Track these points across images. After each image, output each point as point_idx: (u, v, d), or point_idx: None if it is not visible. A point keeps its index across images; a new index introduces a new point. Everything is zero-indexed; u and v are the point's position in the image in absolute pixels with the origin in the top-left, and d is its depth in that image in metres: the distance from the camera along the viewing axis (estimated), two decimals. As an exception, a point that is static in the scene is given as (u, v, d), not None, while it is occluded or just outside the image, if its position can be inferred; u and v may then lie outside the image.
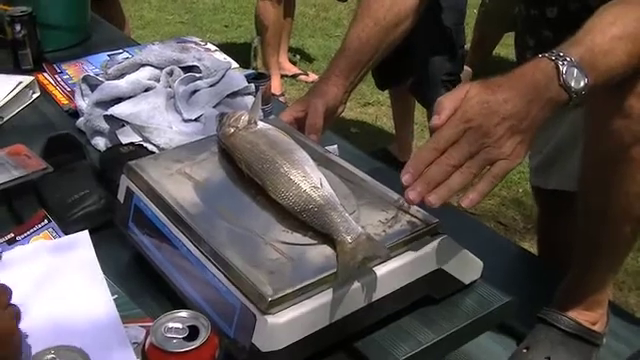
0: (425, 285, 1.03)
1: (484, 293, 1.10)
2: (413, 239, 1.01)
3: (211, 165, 1.17)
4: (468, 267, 1.09)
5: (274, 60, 4.11)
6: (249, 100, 1.59)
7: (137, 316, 1.08)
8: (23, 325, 0.98)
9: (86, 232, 1.25)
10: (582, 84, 0.98)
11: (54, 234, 1.27)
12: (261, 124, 1.17)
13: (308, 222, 1.01)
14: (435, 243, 1.02)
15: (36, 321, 1.04)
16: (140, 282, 1.16)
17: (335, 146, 1.47)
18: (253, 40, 1.80)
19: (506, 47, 4.17)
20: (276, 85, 4.11)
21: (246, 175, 1.10)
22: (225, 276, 0.95)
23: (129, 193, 1.17)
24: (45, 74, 1.92)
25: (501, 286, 1.14)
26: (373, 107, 4.08)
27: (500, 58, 4.27)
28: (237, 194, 1.10)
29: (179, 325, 0.86)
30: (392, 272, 0.98)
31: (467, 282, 1.10)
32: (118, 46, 2.07)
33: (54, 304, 1.11)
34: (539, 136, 1.09)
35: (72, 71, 1.90)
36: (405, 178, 0.98)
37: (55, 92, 1.82)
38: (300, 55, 4.71)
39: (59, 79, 1.86)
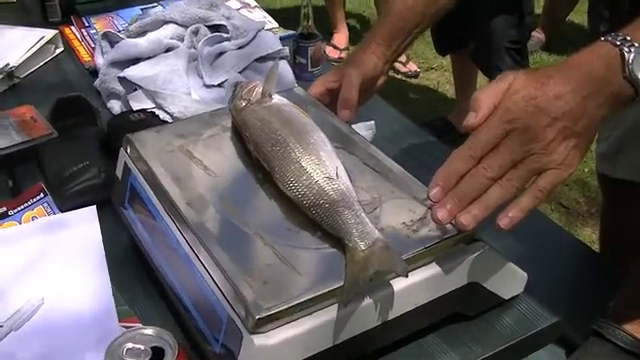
0: (455, 301, 0.87)
1: (527, 311, 0.94)
2: (442, 248, 0.84)
3: (218, 143, 1.02)
4: (509, 280, 0.92)
5: (340, 14, 3.96)
6: (282, 65, 1.42)
7: (123, 314, 0.95)
8: (14, 305, 0.94)
9: (93, 208, 1.12)
10: None
11: (49, 210, 1.14)
12: (277, 98, 1.01)
13: (318, 220, 0.85)
14: (469, 253, 0.85)
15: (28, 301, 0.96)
16: (134, 273, 1.02)
17: (372, 122, 1.31)
18: (303, -2, 1.64)
19: (581, 14, 3.90)
20: (342, 38, 3.96)
21: (253, 157, 0.95)
22: (214, 281, 0.80)
23: (126, 170, 1.03)
24: (72, 27, 1.78)
25: (553, 288, 0.99)
26: (436, 72, 3.88)
27: (574, 25, 4.01)
28: (242, 180, 0.95)
29: (140, 346, 0.72)
30: (414, 286, 0.82)
31: (507, 297, 0.93)
32: (153, -1, 1.92)
33: (48, 286, 1.00)
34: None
35: (100, 25, 1.76)
36: (433, 193, 0.81)
37: (79, 48, 1.69)
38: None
39: (85, 34, 1.73)
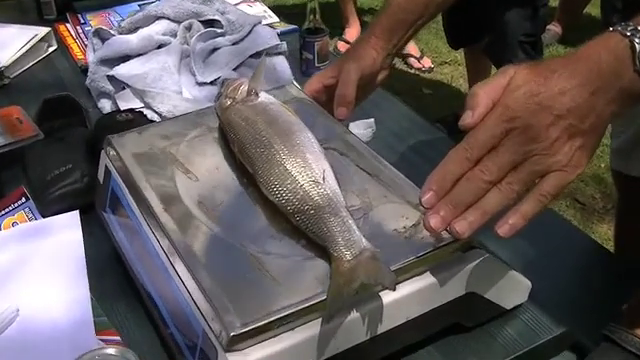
0: (451, 313, 0.81)
1: (531, 321, 0.88)
2: (437, 257, 0.78)
3: (203, 145, 0.96)
4: (511, 289, 0.86)
5: (351, 7, 3.88)
6: (279, 61, 1.37)
7: (100, 326, 0.89)
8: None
9: (75, 213, 1.06)
10: None
11: (30, 215, 1.09)
12: (264, 96, 0.95)
13: (302, 227, 0.79)
14: (466, 261, 0.79)
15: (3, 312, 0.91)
16: (116, 282, 0.97)
17: (371, 120, 1.26)
18: (309, -9, 1.58)
19: (598, 7, 3.79)
20: (354, 33, 3.88)
21: (237, 160, 0.89)
22: (189, 294, 0.75)
23: (107, 173, 0.98)
24: (68, 25, 1.73)
25: (564, 291, 0.99)
26: (450, 67, 3.81)
27: (591, 18, 3.91)
28: (225, 184, 0.89)
29: (102, 367, 0.66)
30: (405, 298, 0.76)
31: (509, 307, 0.87)
32: (153, -6, 1.87)
33: (25, 295, 0.95)
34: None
35: (96, 22, 1.71)
36: (426, 198, 0.75)
37: (73, 45, 1.64)
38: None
39: (80, 31, 1.68)
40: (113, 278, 0.98)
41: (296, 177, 0.81)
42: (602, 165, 2.73)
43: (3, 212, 1.09)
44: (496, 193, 0.73)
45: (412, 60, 3.74)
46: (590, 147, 0.74)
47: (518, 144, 0.72)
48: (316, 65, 1.52)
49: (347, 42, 3.85)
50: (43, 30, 1.63)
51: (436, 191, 0.74)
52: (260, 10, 1.71)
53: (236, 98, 0.94)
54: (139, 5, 1.78)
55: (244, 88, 0.95)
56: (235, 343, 0.68)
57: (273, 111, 0.92)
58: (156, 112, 1.21)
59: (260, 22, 1.42)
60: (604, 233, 2.50)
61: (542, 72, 0.73)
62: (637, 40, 0.71)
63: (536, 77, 0.73)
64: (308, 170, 0.82)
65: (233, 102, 0.94)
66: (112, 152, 0.97)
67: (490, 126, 0.73)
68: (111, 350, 0.69)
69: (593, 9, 3.86)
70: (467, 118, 0.74)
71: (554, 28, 3.81)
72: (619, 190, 1.72)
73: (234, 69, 1.32)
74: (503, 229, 0.73)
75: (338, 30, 3.91)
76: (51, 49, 1.64)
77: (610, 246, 1.97)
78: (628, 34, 0.72)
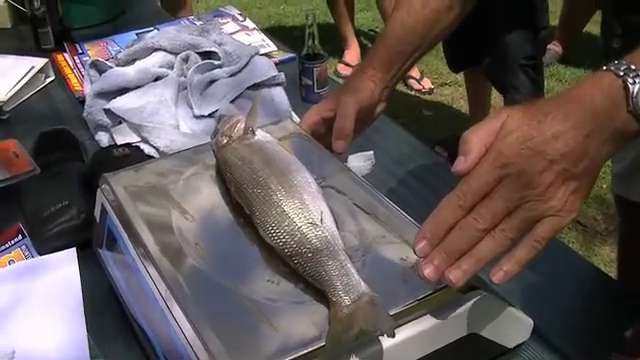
0: (452, 354, 0.80)
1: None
2: (437, 299, 0.77)
3: (199, 183, 0.95)
4: (513, 328, 0.85)
5: (349, 29, 3.88)
6: (276, 92, 1.36)
7: (97, 368, 0.88)
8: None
9: (72, 250, 1.05)
10: None
11: (27, 252, 1.07)
12: (260, 134, 0.94)
13: (299, 270, 0.78)
14: (466, 302, 0.78)
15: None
16: (114, 321, 0.96)
17: (371, 152, 1.25)
18: (307, 17, 1.57)
19: (598, 25, 3.80)
20: (354, 55, 3.88)
21: (234, 200, 0.88)
22: (186, 339, 0.74)
23: (104, 212, 0.97)
24: (65, 55, 1.73)
25: (567, 321, 0.98)
26: (450, 88, 3.81)
27: (591, 37, 3.91)
28: (221, 225, 0.88)
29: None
30: (405, 342, 0.74)
31: (511, 346, 0.86)
32: (151, 23, 1.86)
33: (21, 336, 0.94)
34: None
35: (94, 52, 1.71)
36: (420, 247, 0.73)
37: (71, 76, 1.63)
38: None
39: (78, 61, 1.67)
40: (111, 317, 0.97)
41: (293, 219, 0.80)
42: (604, 186, 2.72)
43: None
44: (490, 241, 0.72)
45: (412, 82, 3.74)
46: (584, 189, 0.73)
47: (512, 190, 0.71)
48: (316, 91, 1.52)
49: (347, 64, 3.85)
50: (40, 61, 1.63)
51: (430, 240, 0.73)
52: (258, 39, 1.70)
53: (232, 136, 0.94)
54: (137, 34, 1.78)
55: (240, 126, 0.94)
56: (232, 392, 0.67)
57: (270, 150, 0.91)
58: (153, 147, 1.20)
59: (258, 52, 1.42)
60: (607, 255, 2.49)
61: (535, 115, 0.72)
62: (630, 80, 0.70)
63: (529, 120, 0.72)
64: (305, 212, 0.81)
65: (229, 140, 0.93)
66: (108, 190, 0.96)
67: (483, 173, 0.72)
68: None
69: (593, 28, 3.86)
70: (460, 164, 0.73)
71: (554, 47, 3.82)
72: (621, 215, 1.71)
73: (232, 101, 1.31)
74: (497, 276, 0.72)
75: (338, 52, 3.91)
76: (48, 80, 1.64)
77: (613, 269, 1.96)
78: (621, 74, 0.71)
